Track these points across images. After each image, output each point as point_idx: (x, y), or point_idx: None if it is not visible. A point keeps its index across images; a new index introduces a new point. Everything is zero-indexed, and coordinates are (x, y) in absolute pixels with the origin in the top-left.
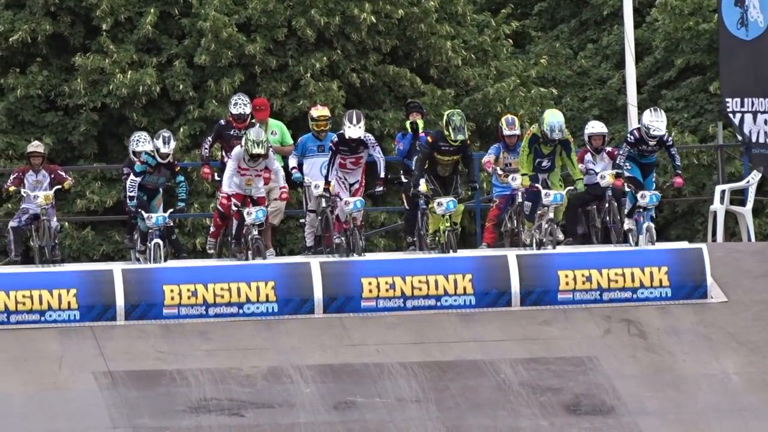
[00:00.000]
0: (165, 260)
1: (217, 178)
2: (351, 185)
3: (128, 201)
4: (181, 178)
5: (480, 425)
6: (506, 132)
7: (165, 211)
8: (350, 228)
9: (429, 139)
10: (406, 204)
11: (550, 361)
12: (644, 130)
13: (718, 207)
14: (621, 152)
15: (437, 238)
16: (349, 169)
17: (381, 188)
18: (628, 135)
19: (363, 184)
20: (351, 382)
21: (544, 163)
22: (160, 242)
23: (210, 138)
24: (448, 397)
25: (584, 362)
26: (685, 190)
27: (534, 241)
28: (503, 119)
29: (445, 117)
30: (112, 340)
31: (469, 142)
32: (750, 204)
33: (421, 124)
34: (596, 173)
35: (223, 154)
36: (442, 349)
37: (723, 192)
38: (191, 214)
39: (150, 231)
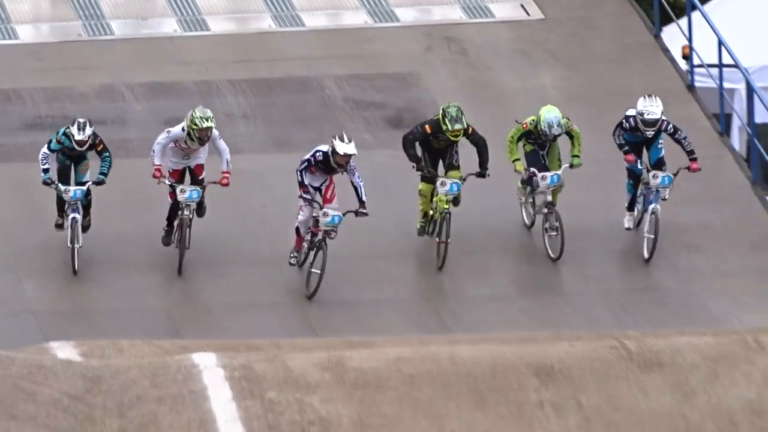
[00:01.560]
0: (83, 232)
1: None
2: (317, 188)
3: (42, 174)
4: (106, 153)
5: (305, 138)
6: None
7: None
8: (319, 239)
9: (427, 128)
10: None
11: (374, 77)
12: (639, 116)
13: None
14: (616, 135)
15: (432, 216)
16: (317, 176)
17: (365, 211)
18: (623, 120)
19: (333, 181)
20: (180, 99)
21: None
22: (78, 217)
23: None
24: (275, 112)
25: (406, 78)
26: None
27: (528, 217)
28: None
29: (441, 110)
30: None
31: (471, 130)
32: None
33: None
34: None
35: None
36: (268, 67)
37: None
38: None
39: (68, 205)
